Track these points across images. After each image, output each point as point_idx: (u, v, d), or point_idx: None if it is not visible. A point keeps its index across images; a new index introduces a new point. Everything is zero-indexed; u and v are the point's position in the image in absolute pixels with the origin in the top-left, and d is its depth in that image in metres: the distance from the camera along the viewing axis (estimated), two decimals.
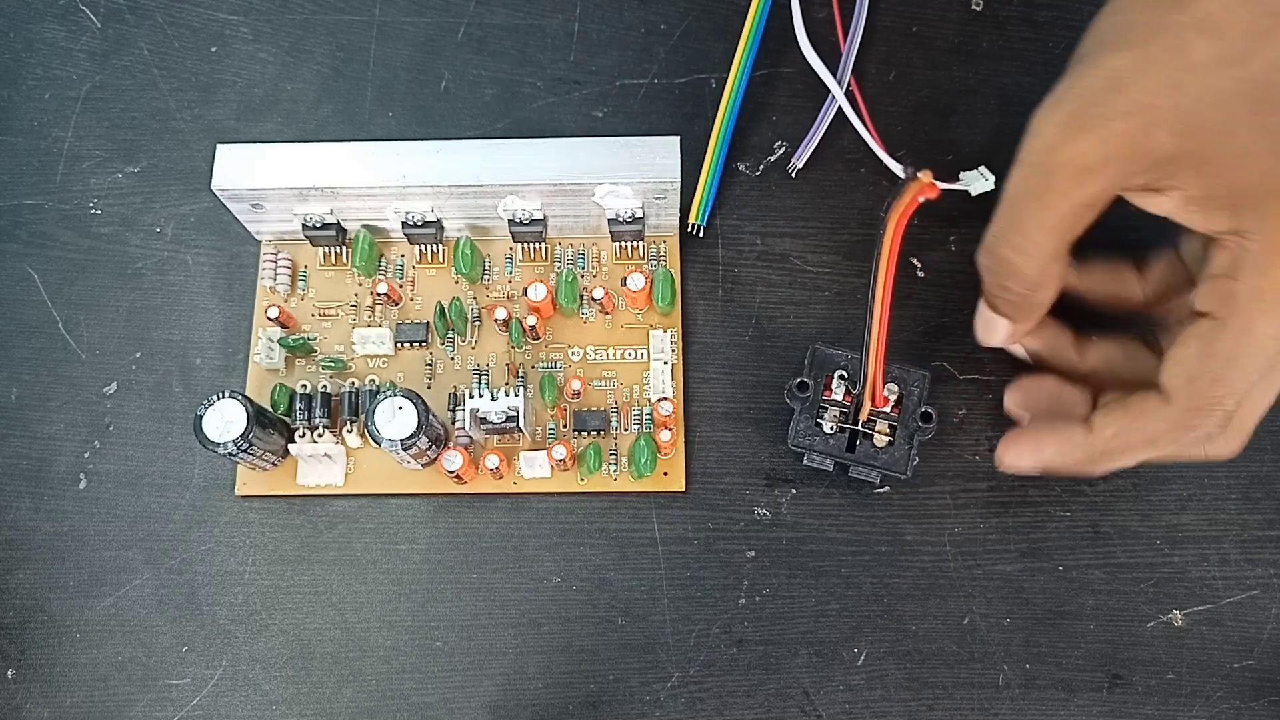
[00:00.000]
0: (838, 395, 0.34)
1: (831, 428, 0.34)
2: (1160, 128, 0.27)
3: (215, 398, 0.33)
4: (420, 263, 0.38)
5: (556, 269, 0.38)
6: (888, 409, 0.33)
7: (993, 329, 0.33)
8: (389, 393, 0.33)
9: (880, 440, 0.33)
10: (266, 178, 0.35)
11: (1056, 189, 0.29)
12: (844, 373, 0.34)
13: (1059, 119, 0.28)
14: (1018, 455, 0.32)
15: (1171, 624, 0.35)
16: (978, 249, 0.31)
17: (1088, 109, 0.28)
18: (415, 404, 0.33)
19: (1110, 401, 0.32)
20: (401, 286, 0.38)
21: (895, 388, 0.33)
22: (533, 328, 0.36)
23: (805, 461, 0.34)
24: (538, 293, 0.36)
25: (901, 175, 0.37)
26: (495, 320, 0.36)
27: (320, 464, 0.36)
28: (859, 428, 0.34)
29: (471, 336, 0.37)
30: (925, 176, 0.30)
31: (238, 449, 0.33)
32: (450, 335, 0.37)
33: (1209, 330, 0.29)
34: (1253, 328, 0.28)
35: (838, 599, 0.35)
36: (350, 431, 0.36)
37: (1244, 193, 0.27)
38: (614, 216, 0.36)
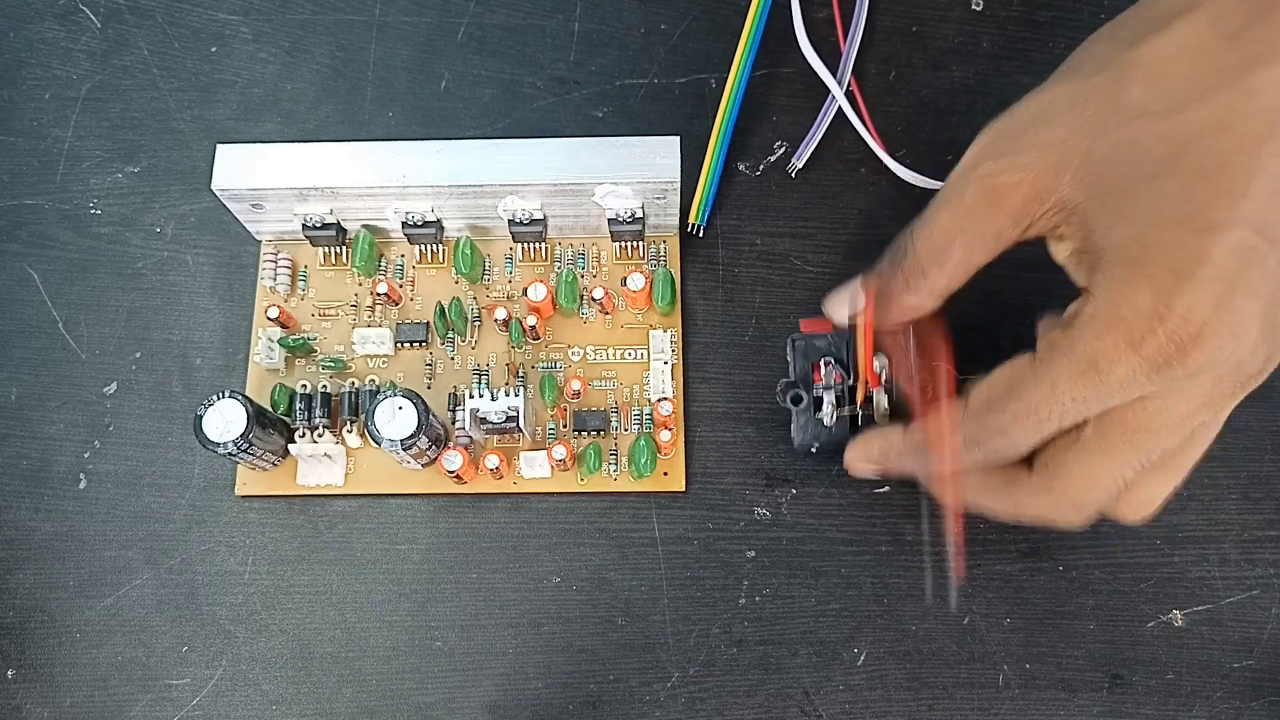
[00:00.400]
0: (828, 381, 0.34)
1: (832, 417, 0.34)
2: (1068, 170, 0.27)
3: (215, 398, 0.33)
4: (420, 263, 0.38)
5: (556, 269, 0.38)
6: (880, 387, 0.33)
7: (842, 303, 0.33)
8: (389, 393, 0.33)
9: (880, 412, 0.33)
10: (266, 178, 0.35)
11: (966, 201, 0.29)
12: (829, 358, 0.34)
13: (987, 137, 0.29)
14: (853, 456, 0.33)
15: (1171, 624, 0.35)
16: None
17: (1013, 134, 0.28)
18: (415, 404, 0.33)
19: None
20: (401, 286, 0.38)
21: (885, 359, 0.33)
22: (533, 328, 0.36)
23: (814, 450, 0.34)
24: (538, 293, 0.36)
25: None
26: (495, 320, 0.36)
27: (320, 464, 0.36)
28: (858, 409, 0.34)
29: (471, 336, 0.37)
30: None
31: (238, 449, 0.33)
32: (450, 335, 0.37)
33: (1023, 366, 0.28)
34: (1056, 382, 0.27)
35: (838, 599, 0.35)
36: (350, 431, 0.36)
37: (1103, 254, 0.26)
38: (614, 216, 0.36)
